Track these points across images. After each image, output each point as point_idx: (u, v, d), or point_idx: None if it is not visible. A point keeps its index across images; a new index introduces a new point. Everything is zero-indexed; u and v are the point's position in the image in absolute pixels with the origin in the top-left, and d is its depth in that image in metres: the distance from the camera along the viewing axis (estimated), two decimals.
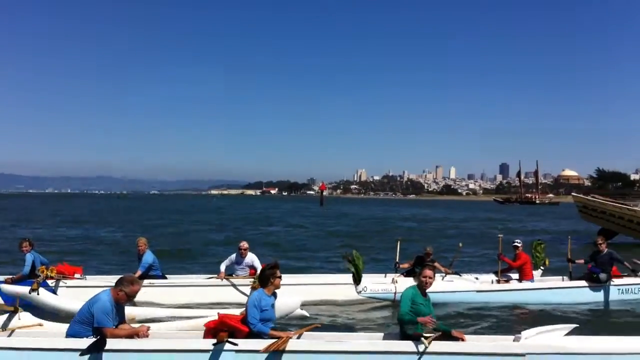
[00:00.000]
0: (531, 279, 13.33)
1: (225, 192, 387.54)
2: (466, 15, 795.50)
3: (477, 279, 13.60)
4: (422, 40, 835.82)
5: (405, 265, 13.71)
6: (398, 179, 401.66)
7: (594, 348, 6.54)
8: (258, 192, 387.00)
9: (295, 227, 42.46)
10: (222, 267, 12.77)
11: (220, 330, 6.53)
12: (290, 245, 27.26)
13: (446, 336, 6.83)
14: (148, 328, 6.78)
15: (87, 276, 12.82)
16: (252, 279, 11.31)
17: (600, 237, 14.00)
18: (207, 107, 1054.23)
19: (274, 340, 6.46)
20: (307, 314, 9.59)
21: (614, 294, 13.19)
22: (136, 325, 7.10)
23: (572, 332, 6.85)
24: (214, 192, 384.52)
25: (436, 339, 6.58)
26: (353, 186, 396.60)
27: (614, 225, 28.74)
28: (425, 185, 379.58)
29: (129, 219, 49.91)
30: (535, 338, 6.56)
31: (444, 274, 13.21)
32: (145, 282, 11.46)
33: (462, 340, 6.79)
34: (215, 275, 12.82)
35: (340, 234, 35.83)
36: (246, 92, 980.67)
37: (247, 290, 11.19)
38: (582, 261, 13.64)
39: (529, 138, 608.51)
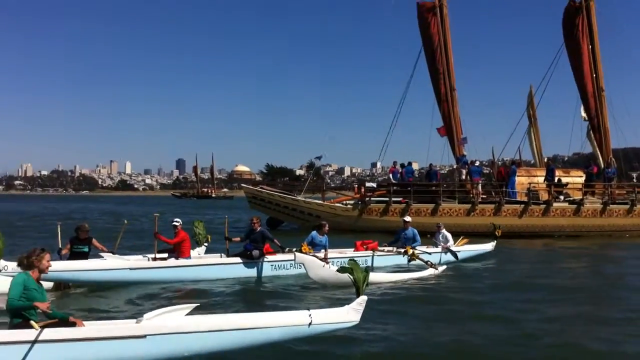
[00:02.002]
0: (188, 257, 13.54)
1: None
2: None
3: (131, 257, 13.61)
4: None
5: (65, 252, 12.88)
6: (69, 174, 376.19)
7: (208, 325, 6.81)
8: None
9: None
10: None
11: None
12: None
13: (63, 324, 6.43)
14: None
15: None
16: None
17: (255, 217, 14.76)
18: None
19: None
20: None
21: (267, 269, 14.14)
22: None
23: (195, 311, 7.02)
24: None
25: (51, 326, 6.19)
26: (17, 182, 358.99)
27: (280, 214, 31.13)
28: (100, 181, 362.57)
29: None
30: (156, 319, 6.61)
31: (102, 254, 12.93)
32: None
33: (80, 326, 6.46)
34: None
35: None
36: None
37: None
38: (238, 239, 14.34)
39: (205, 135, 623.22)
